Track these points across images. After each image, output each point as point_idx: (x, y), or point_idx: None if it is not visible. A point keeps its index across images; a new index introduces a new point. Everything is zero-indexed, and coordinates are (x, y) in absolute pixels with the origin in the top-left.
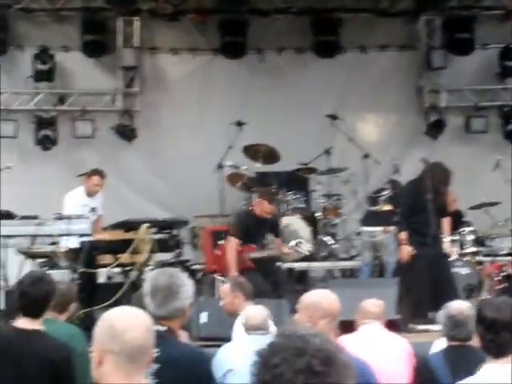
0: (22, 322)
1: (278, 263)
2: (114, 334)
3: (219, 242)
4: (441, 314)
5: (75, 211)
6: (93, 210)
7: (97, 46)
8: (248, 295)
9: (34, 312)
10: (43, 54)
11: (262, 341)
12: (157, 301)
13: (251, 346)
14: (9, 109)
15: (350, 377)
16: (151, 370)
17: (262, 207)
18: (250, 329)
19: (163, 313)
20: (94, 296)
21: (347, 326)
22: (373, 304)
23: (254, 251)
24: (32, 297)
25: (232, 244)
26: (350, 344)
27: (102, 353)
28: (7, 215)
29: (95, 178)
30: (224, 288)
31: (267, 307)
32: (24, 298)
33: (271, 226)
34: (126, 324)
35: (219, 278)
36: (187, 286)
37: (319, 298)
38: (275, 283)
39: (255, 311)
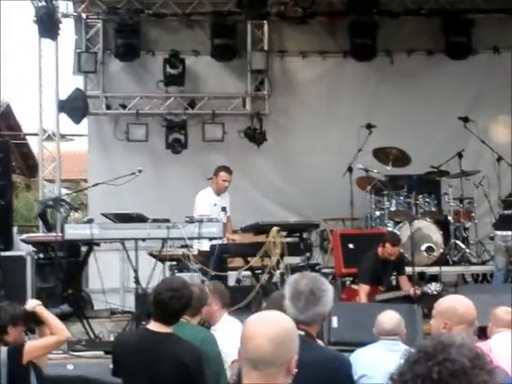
0: (155, 326)
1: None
2: (241, 341)
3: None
4: None
5: (206, 210)
6: (223, 209)
7: (226, 49)
8: (225, 303)
9: (169, 322)
10: (174, 59)
11: (394, 346)
12: (298, 305)
13: (384, 351)
14: (140, 113)
15: None
16: None
17: (386, 250)
18: (383, 334)
19: (304, 317)
20: None
21: (479, 333)
22: (504, 311)
23: (381, 294)
24: (169, 309)
25: (363, 291)
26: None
27: (239, 357)
28: (139, 218)
29: (223, 174)
30: None
31: (400, 312)
32: (160, 308)
33: (395, 265)
34: (250, 332)
35: None
36: (329, 291)
37: (455, 304)
38: None
39: (388, 316)
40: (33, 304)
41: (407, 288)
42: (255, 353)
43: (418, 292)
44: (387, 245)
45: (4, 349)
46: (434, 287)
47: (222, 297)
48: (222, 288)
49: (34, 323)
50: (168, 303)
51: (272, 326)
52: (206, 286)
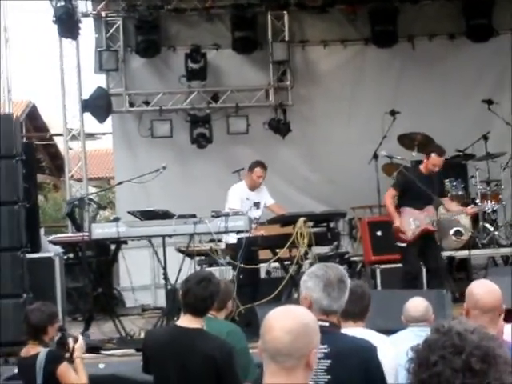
0: (185, 321)
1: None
2: (261, 332)
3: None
4: None
5: (238, 204)
6: (256, 204)
7: (247, 42)
8: None
9: (198, 311)
10: (195, 53)
11: (422, 333)
12: (333, 295)
13: (413, 338)
14: (163, 109)
15: (510, 374)
16: (323, 366)
17: (431, 161)
18: (411, 321)
19: (337, 307)
20: (255, 291)
21: (509, 315)
22: None
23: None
24: (197, 296)
25: (389, 193)
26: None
27: (260, 349)
28: (165, 215)
29: (258, 170)
30: None
31: (428, 298)
32: (189, 296)
33: (436, 184)
34: (269, 324)
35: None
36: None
37: (474, 289)
38: (436, 270)
39: (415, 303)
40: (78, 351)
41: (460, 209)
42: (273, 344)
43: (475, 210)
44: (433, 155)
45: (44, 351)
46: (490, 205)
47: None
48: None
49: (67, 354)
50: (196, 290)
51: (291, 319)
52: None
